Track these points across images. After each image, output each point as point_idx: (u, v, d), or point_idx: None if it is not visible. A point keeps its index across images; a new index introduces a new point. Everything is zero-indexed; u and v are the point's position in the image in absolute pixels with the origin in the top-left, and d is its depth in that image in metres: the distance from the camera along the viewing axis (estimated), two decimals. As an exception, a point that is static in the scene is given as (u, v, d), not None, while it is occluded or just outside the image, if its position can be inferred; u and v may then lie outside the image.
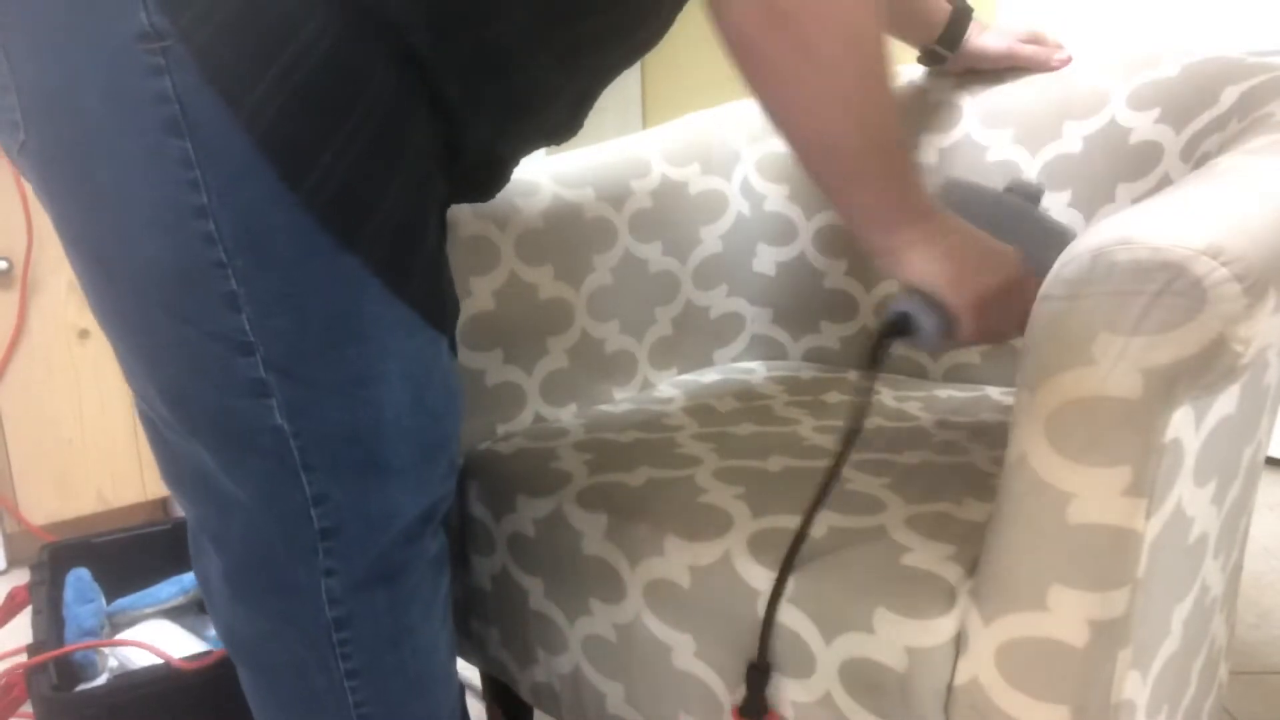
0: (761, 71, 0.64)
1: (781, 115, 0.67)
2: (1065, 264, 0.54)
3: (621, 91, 3.45)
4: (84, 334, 1.81)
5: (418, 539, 0.72)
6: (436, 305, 0.70)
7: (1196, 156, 0.94)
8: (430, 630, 0.75)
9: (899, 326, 0.73)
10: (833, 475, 0.69)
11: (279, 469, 0.65)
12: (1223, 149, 0.81)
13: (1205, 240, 0.50)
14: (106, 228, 0.59)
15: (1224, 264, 0.49)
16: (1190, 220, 0.52)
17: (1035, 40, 1.13)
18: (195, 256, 0.58)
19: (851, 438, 0.70)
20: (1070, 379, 0.54)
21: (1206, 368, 0.50)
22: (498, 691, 1.13)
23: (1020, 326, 0.72)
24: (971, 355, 1.15)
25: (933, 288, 0.71)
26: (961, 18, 1.10)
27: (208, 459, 0.66)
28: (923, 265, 0.70)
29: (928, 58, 1.16)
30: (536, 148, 0.82)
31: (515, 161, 0.84)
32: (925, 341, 0.73)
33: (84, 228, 0.60)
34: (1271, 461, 2.01)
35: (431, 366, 0.69)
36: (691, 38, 3.18)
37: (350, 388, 0.64)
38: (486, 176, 0.82)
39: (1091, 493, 0.55)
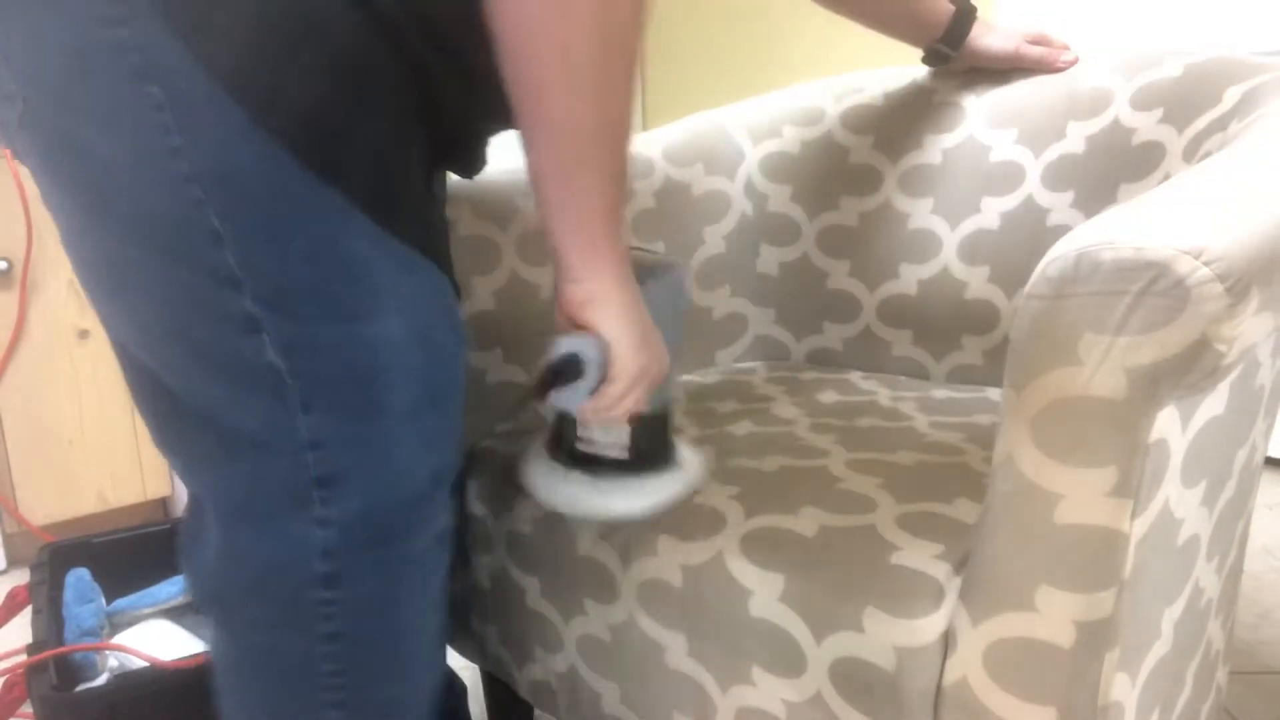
0: (519, 33, 0.61)
1: (530, 82, 0.62)
2: (1050, 263, 0.54)
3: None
4: (84, 334, 1.82)
5: (424, 504, 0.70)
6: (433, 243, 0.70)
7: (1198, 157, 0.93)
8: (421, 608, 0.73)
9: (568, 369, 0.69)
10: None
11: (278, 407, 0.64)
12: (1222, 149, 0.81)
13: (1188, 240, 0.50)
14: (98, 175, 0.60)
15: (1206, 263, 0.49)
16: (1174, 220, 0.52)
17: (1040, 41, 1.12)
18: (177, 196, 0.59)
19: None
20: (1055, 379, 0.54)
21: (1190, 368, 0.50)
22: (498, 690, 1.14)
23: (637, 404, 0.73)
24: (974, 356, 1.15)
25: (612, 345, 0.69)
26: (965, 17, 1.10)
27: (208, 398, 0.65)
28: (616, 317, 0.68)
29: (932, 57, 1.16)
30: (505, 127, 0.79)
31: (488, 137, 0.84)
32: (574, 395, 0.70)
33: (75, 181, 0.61)
34: (1271, 461, 2.00)
35: (433, 304, 0.68)
36: (691, 38, 3.18)
37: (343, 324, 0.63)
38: (465, 151, 0.81)
39: (1077, 493, 0.55)
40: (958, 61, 1.15)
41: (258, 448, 0.65)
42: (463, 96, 0.72)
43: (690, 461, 0.84)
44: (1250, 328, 0.50)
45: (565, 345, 0.69)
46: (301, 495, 0.66)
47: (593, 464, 0.80)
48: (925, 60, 1.17)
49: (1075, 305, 0.53)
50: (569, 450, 0.81)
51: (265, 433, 0.64)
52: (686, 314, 0.78)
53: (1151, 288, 0.50)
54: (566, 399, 0.69)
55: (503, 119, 0.78)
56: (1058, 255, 0.54)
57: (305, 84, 0.60)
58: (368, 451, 0.66)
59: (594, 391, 0.70)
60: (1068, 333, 0.53)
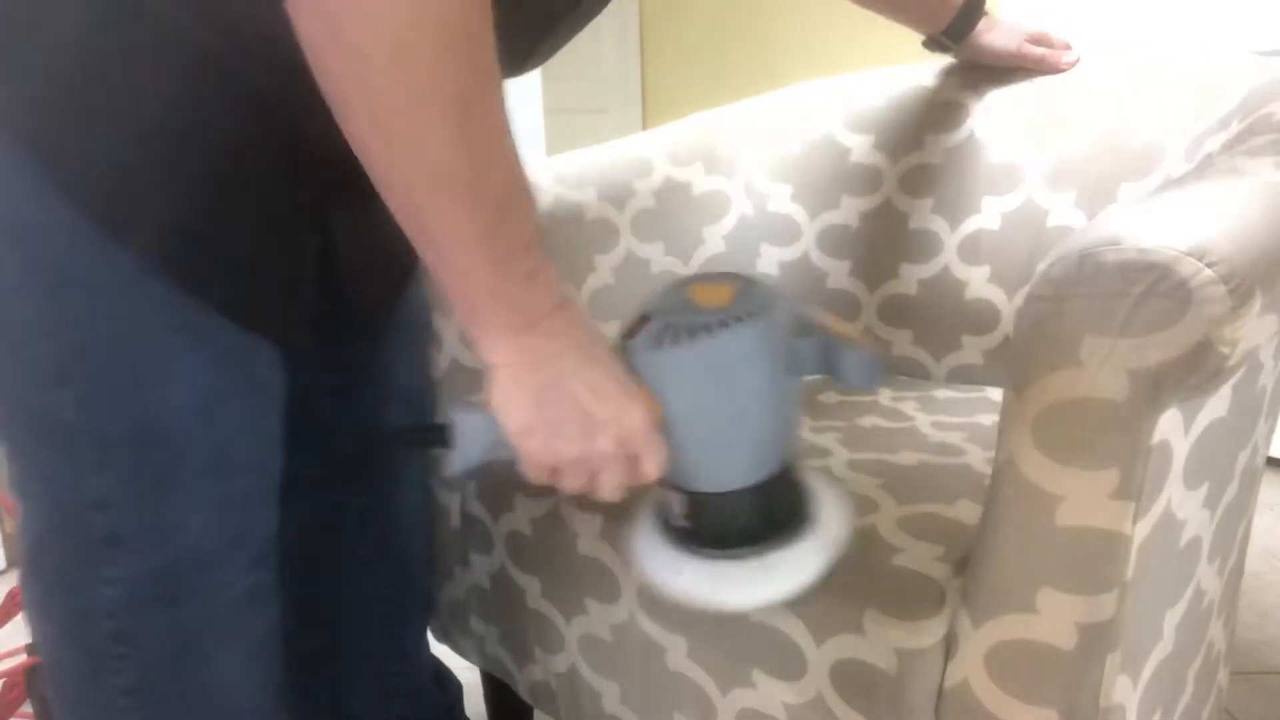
0: (326, 92, 0.53)
1: (349, 139, 0.54)
2: (1053, 264, 0.54)
3: (622, 91, 3.44)
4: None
5: (218, 569, 0.69)
6: (259, 309, 0.67)
7: (1200, 157, 0.93)
8: (231, 665, 0.72)
9: (437, 437, 0.63)
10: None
11: (69, 465, 0.64)
12: (1224, 149, 0.81)
13: (1191, 241, 0.50)
14: None
15: (1209, 265, 0.49)
16: (1178, 221, 0.52)
17: (1041, 40, 1.12)
18: None
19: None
20: (1057, 381, 0.54)
21: (1192, 370, 0.50)
22: (498, 691, 1.14)
23: (612, 493, 0.62)
24: (974, 356, 1.15)
25: (502, 427, 0.61)
26: (972, 11, 1.09)
27: (15, 442, 0.66)
28: (506, 400, 0.60)
29: (931, 45, 1.14)
30: None
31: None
32: (453, 463, 0.64)
33: None
34: (1272, 462, 1.99)
35: (228, 373, 0.66)
36: (691, 38, 3.18)
37: (135, 388, 0.63)
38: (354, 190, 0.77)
39: (1079, 495, 0.55)
40: (958, 53, 1.14)
41: (50, 500, 0.66)
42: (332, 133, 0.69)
43: (827, 523, 0.66)
44: (1253, 330, 0.50)
45: (453, 409, 0.64)
46: (90, 552, 0.66)
47: (697, 541, 0.66)
48: (925, 45, 1.15)
49: (1078, 306, 0.52)
50: (668, 525, 0.68)
51: (56, 488, 0.65)
52: (790, 355, 0.62)
53: (1154, 289, 0.50)
54: (450, 464, 0.64)
55: None
56: (1060, 256, 0.54)
57: (98, 143, 0.59)
58: (154, 515, 0.66)
59: (497, 465, 0.63)
60: (1070, 334, 0.53)
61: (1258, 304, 0.50)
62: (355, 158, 0.54)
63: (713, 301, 0.62)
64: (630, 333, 0.63)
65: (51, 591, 0.69)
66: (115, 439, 0.64)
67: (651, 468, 0.61)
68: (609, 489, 0.62)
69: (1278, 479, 1.88)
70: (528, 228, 0.58)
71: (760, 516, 0.64)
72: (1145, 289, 0.50)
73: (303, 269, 0.71)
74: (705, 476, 0.63)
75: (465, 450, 0.63)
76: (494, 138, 0.55)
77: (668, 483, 0.65)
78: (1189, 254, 0.49)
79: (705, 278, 0.65)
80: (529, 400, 0.60)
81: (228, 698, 0.72)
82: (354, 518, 0.92)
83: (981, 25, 1.11)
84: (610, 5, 0.77)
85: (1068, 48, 1.12)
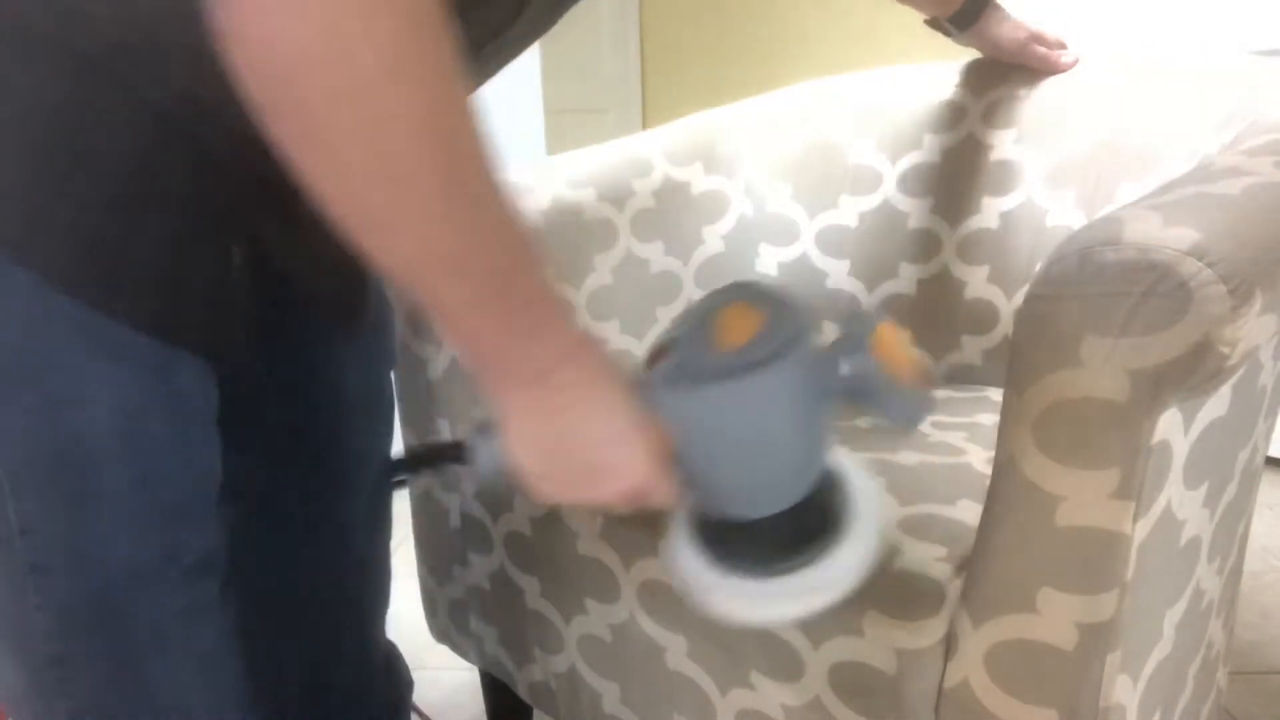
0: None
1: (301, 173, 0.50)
2: (1053, 264, 0.54)
3: (622, 91, 3.44)
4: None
5: (153, 584, 0.67)
6: (177, 323, 0.65)
7: (1199, 156, 0.93)
8: (180, 682, 0.70)
9: (455, 454, 0.65)
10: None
11: None
12: (1224, 149, 0.81)
13: (1191, 241, 0.50)
14: None
15: (1209, 265, 0.49)
16: (1178, 221, 0.52)
17: (1036, 40, 1.12)
18: None
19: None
20: (1057, 381, 0.54)
21: (1193, 370, 0.50)
22: (496, 691, 1.13)
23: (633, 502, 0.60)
24: (974, 356, 1.15)
25: (516, 467, 0.61)
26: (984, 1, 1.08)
27: None
28: (515, 440, 0.59)
29: (934, 24, 1.12)
30: None
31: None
32: (470, 477, 0.64)
33: None
34: (1271, 462, 1.99)
35: (148, 390, 0.64)
36: (691, 38, 3.18)
37: (49, 410, 0.61)
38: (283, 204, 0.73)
39: (1079, 495, 0.55)
40: (959, 39, 1.13)
41: None
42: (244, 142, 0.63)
43: (864, 524, 0.62)
44: (1254, 330, 0.50)
45: (471, 431, 0.64)
46: (20, 580, 0.64)
47: (730, 559, 0.63)
48: (926, 23, 1.13)
49: (1078, 306, 0.52)
50: (704, 537, 0.65)
51: None
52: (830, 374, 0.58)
53: (1154, 289, 0.50)
54: (468, 479, 0.65)
55: None
56: (1060, 256, 0.54)
57: None
58: (78, 538, 0.64)
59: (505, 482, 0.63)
60: (1070, 334, 0.53)
61: (1258, 304, 0.50)
62: (270, 160, 0.52)
63: (737, 337, 0.58)
64: (652, 360, 0.62)
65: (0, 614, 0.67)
66: (30, 464, 0.62)
67: (663, 503, 0.61)
68: (620, 514, 0.63)
69: (1277, 479, 1.88)
70: (532, 282, 0.55)
71: (793, 536, 0.61)
72: (1146, 289, 0.50)
73: (227, 279, 0.69)
74: (730, 506, 0.62)
75: (481, 470, 0.63)
76: (484, 203, 0.52)
77: (695, 508, 0.65)
78: (1189, 254, 0.49)
79: (735, 298, 0.62)
80: (539, 450, 0.59)
81: (179, 713, 0.71)
82: (299, 524, 0.91)
83: (992, 16, 1.09)
84: (610, 5, 0.76)
85: (1064, 47, 1.11)
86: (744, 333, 0.58)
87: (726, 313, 0.60)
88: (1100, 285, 0.52)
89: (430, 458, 0.67)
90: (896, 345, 0.58)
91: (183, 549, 0.69)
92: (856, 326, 0.59)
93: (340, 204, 0.50)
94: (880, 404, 0.57)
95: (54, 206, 0.59)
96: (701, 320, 0.61)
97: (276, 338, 0.79)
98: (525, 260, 0.55)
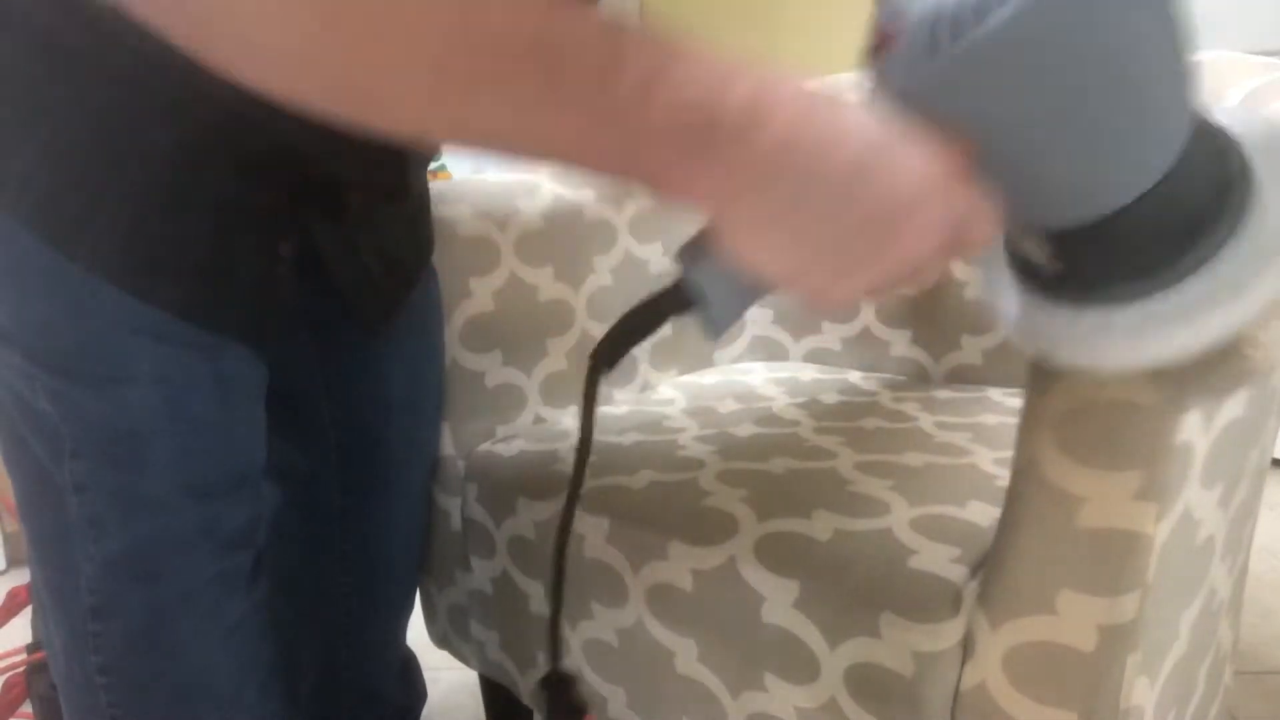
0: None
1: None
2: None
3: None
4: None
5: (190, 550, 0.72)
6: (219, 312, 0.69)
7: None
8: (205, 648, 0.74)
9: (675, 302, 0.48)
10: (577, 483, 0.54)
11: (51, 450, 0.68)
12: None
13: (1217, 242, 0.49)
14: None
15: (1236, 266, 0.49)
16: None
17: None
18: None
19: (587, 441, 0.51)
20: (1080, 383, 0.54)
21: (1217, 372, 0.50)
22: (497, 696, 1.13)
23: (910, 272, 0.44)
24: (974, 356, 1.15)
25: (766, 277, 0.45)
26: None
27: (14, 429, 0.70)
28: (743, 242, 0.44)
29: None
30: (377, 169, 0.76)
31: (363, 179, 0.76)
32: (715, 324, 0.48)
33: None
34: (1272, 461, 2.01)
35: (190, 371, 0.69)
36: (691, 38, 3.17)
37: (101, 384, 0.66)
38: (330, 198, 0.75)
39: (1102, 497, 0.54)
40: None
41: (42, 482, 0.70)
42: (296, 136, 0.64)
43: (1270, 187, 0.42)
44: (1278, 332, 0.50)
45: (683, 262, 0.48)
46: (73, 531, 0.70)
47: (1080, 290, 0.46)
48: None
49: (1101, 308, 0.52)
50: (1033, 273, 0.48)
51: (45, 471, 0.69)
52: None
53: (1179, 290, 0.49)
54: (707, 328, 0.48)
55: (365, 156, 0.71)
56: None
57: (34, 158, 0.61)
58: (127, 499, 0.69)
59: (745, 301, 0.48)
60: (1093, 335, 0.52)
61: (1284, 304, 0.50)
62: (318, 161, 0.53)
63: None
64: (876, 51, 0.45)
65: (46, 567, 0.73)
66: (88, 430, 0.67)
67: (984, 234, 0.44)
68: (935, 272, 0.45)
69: (1277, 479, 1.89)
70: (585, 38, 0.39)
71: (1172, 228, 0.42)
72: (1169, 290, 0.50)
73: (271, 273, 0.72)
74: (1070, 205, 0.43)
75: (719, 308, 0.47)
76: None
77: (1017, 230, 0.47)
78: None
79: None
80: (780, 234, 0.43)
81: (201, 679, 0.74)
82: (334, 515, 0.92)
83: None
84: (610, 5, 0.77)
85: None
86: None
87: None
88: (1124, 286, 0.51)
89: (650, 317, 0.49)
90: None
91: (219, 522, 0.73)
92: None
93: (386, 98, 0.40)
94: None
95: (96, 205, 0.63)
96: None
97: (325, 336, 0.81)
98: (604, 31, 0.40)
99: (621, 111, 0.40)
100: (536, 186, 1.11)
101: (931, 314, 1.16)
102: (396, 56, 0.38)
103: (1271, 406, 0.70)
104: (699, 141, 0.40)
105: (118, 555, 0.70)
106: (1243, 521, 0.74)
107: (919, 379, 1.18)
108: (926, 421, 0.97)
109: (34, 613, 1.19)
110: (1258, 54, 1.00)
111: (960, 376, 1.16)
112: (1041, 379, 0.56)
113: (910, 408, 1.02)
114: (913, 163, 0.41)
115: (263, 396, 0.76)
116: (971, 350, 1.15)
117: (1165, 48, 0.39)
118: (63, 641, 0.74)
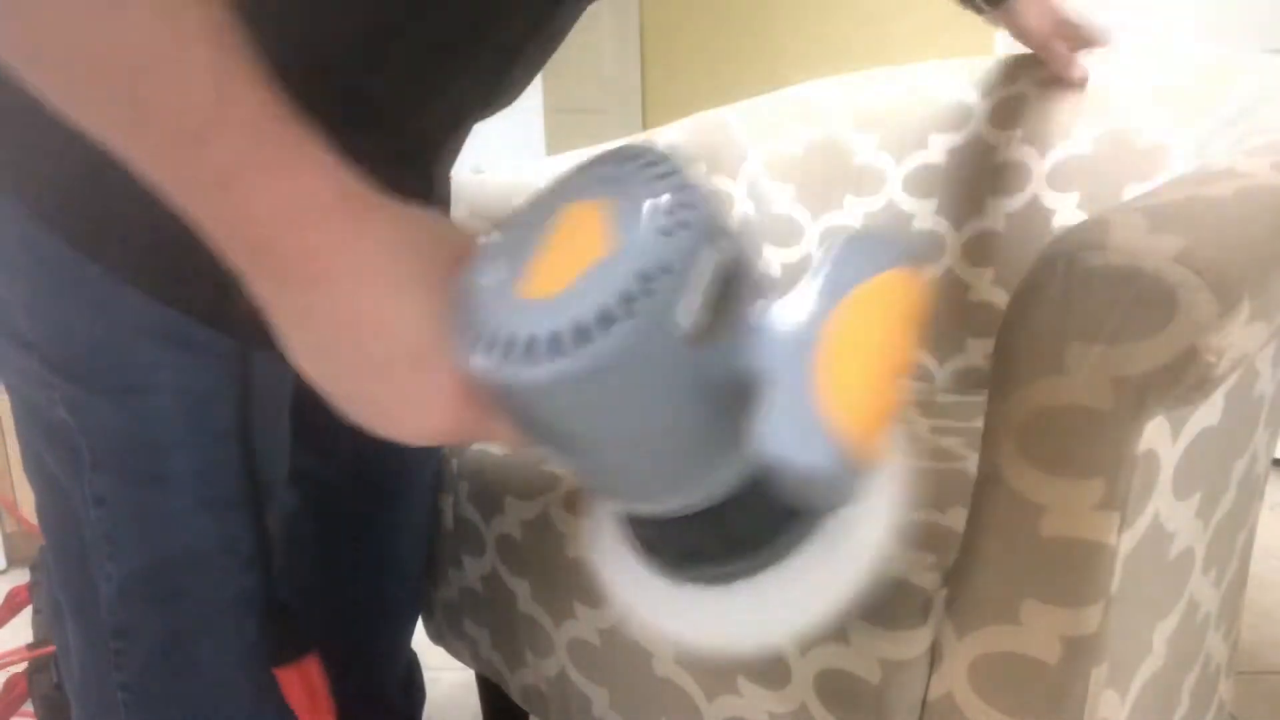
0: None
1: None
2: (1037, 268, 0.53)
3: (622, 91, 3.43)
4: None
5: (209, 569, 0.70)
6: (243, 319, 0.65)
7: (1204, 156, 0.91)
8: (224, 671, 0.72)
9: None
10: None
11: (71, 461, 0.66)
12: (1229, 148, 0.79)
13: (1178, 247, 0.48)
14: None
15: (1197, 272, 0.47)
16: (1165, 226, 0.51)
17: (1062, 32, 1.06)
18: None
19: None
20: (1041, 388, 0.53)
21: (1178, 378, 0.49)
22: (492, 693, 1.13)
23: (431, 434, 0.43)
24: (979, 360, 1.13)
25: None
26: None
27: (35, 441, 0.69)
28: (277, 320, 0.43)
29: (964, 3, 1.06)
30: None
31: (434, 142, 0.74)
32: None
33: None
34: (1273, 462, 1.97)
35: (209, 378, 0.67)
36: (691, 38, 3.17)
37: (119, 394, 0.64)
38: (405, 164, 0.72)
39: (1063, 505, 0.53)
40: (990, 18, 1.06)
41: (62, 494, 0.68)
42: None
43: (866, 509, 0.46)
44: (1241, 338, 0.49)
45: None
46: (92, 546, 0.68)
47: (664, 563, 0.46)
48: (958, 1, 1.07)
49: (1061, 312, 0.51)
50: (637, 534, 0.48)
51: (64, 482, 0.67)
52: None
53: (1140, 296, 0.48)
54: None
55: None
56: (1044, 260, 0.53)
57: (57, 162, 0.59)
58: (146, 514, 0.67)
59: None
60: (1053, 340, 0.52)
61: (1245, 311, 0.48)
62: (344, 163, 0.51)
63: (567, 265, 0.37)
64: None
65: (67, 580, 0.72)
66: (107, 440, 0.65)
67: (507, 445, 0.45)
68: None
69: (1277, 479, 1.85)
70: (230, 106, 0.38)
71: (742, 529, 0.43)
72: (1131, 295, 0.49)
73: None
74: (621, 496, 0.44)
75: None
76: None
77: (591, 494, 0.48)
78: (1176, 260, 0.48)
79: (592, 190, 0.40)
80: (302, 344, 0.44)
81: (222, 697, 0.73)
82: (347, 521, 0.92)
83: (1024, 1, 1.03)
84: (610, 5, 0.75)
85: (1091, 45, 1.07)
86: (582, 257, 0.37)
87: (573, 214, 0.40)
88: (1084, 291, 0.50)
89: None
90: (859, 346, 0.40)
91: (241, 539, 0.71)
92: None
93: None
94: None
95: (119, 205, 0.60)
96: (541, 219, 0.41)
97: None
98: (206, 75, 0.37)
99: (203, 185, 0.39)
100: (534, 188, 1.11)
101: (936, 317, 1.15)
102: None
103: (1258, 416, 0.69)
104: (246, 252, 0.41)
105: (138, 572, 0.68)
106: (1232, 533, 0.73)
107: (923, 382, 1.17)
108: (922, 425, 0.96)
109: (35, 612, 1.21)
110: (1264, 52, 0.98)
111: (964, 380, 1.14)
112: (1004, 384, 0.55)
113: (909, 411, 1.01)
114: (426, 394, 0.41)
115: (288, 405, 0.74)
116: (976, 353, 1.13)
117: (685, 426, 0.39)
118: (82, 652, 0.72)
